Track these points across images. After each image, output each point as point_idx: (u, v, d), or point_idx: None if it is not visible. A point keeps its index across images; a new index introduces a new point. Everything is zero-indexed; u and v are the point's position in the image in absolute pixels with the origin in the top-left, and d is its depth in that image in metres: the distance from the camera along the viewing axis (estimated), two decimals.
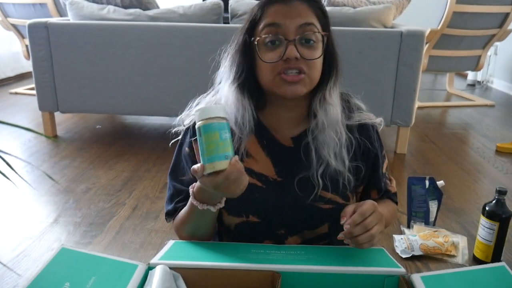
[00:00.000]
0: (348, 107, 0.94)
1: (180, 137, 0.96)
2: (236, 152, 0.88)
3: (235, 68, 0.88)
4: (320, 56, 0.84)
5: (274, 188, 0.90)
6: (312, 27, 0.82)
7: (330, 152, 0.88)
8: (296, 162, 0.90)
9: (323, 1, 2.72)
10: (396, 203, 1.04)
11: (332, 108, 0.88)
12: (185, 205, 0.90)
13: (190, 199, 0.82)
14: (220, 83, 0.92)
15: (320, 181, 0.88)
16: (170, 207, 0.96)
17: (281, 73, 0.82)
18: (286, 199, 0.89)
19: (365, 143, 0.93)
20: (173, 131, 0.97)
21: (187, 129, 0.93)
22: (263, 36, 0.82)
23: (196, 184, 0.81)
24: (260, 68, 0.85)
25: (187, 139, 0.93)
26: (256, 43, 0.84)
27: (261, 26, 0.83)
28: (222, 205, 0.81)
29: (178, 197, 0.95)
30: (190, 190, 0.82)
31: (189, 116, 0.93)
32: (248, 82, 0.87)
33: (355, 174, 0.92)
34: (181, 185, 0.95)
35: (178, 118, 0.95)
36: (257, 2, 0.87)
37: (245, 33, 0.86)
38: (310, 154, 0.89)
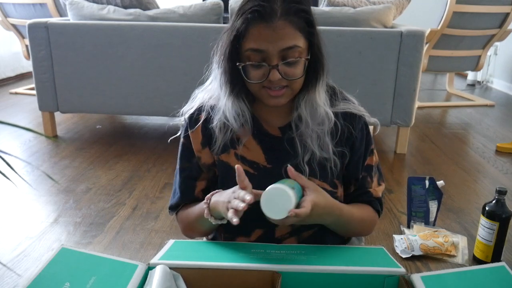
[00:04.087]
0: (331, 98, 0.96)
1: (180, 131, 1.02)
2: (232, 143, 0.95)
3: (229, 80, 0.90)
4: (302, 76, 0.87)
5: (264, 175, 0.94)
6: (294, 50, 0.83)
7: (314, 142, 0.92)
8: (284, 150, 0.94)
9: (322, 1, 2.73)
10: (378, 211, 1.01)
11: (318, 106, 0.91)
12: (182, 207, 1.01)
13: (205, 212, 0.89)
14: (211, 82, 0.97)
15: (307, 167, 0.91)
16: (173, 201, 1.03)
17: (266, 87, 0.87)
18: None
19: (348, 129, 0.95)
20: (171, 123, 1.05)
21: (186, 121, 0.99)
22: (247, 62, 0.85)
23: (213, 200, 0.88)
24: (246, 81, 0.89)
25: (183, 132, 1.00)
26: (240, 68, 0.86)
27: (245, 46, 0.84)
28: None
29: (180, 194, 1.01)
30: (205, 205, 0.88)
31: (191, 108, 0.99)
32: (242, 86, 0.91)
33: (340, 158, 0.95)
34: (181, 180, 1.01)
35: (182, 110, 1.01)
36: (241, 6, 0.85)
37: (231, 45, 0.86)
38: (295, 144, 0.93)
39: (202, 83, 1.01)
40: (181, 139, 1.00)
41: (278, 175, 0.91)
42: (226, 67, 0.89)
